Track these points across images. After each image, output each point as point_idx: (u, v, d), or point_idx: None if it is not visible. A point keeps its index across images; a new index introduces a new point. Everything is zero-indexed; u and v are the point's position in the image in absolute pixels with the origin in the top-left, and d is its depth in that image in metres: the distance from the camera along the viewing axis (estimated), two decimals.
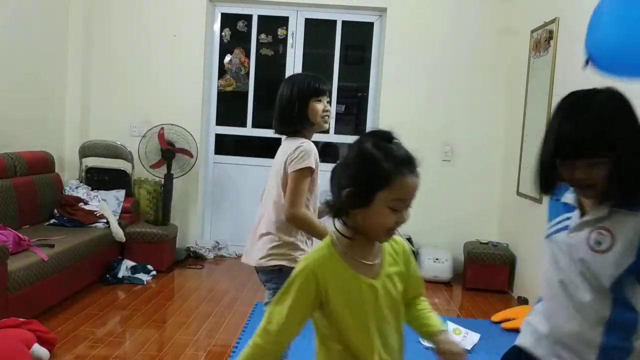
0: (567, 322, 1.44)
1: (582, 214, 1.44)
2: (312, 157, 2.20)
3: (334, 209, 1.30)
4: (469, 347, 3.41)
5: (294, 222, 2.14)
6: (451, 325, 3.58)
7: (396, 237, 1.37)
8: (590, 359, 1.41)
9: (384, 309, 1.32)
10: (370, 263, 1.33)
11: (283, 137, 2.49)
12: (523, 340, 1.57)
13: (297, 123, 2.36)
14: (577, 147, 1.33)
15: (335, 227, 1.34)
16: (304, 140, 2.29)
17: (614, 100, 1.38)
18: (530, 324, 1.57)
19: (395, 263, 1.38)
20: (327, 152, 5.76)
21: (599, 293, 1.39)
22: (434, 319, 1.45)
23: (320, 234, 2.07)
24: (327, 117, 2.36)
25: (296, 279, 1.30)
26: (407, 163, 1.25)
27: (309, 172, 2.18)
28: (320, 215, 2.24)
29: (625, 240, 1.36)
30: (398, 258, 1.39)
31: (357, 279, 1.30)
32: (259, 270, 2.28)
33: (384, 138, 1.28)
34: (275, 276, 2.17)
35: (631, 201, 1.37)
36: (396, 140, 1.28)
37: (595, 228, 1.40)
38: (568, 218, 1.46)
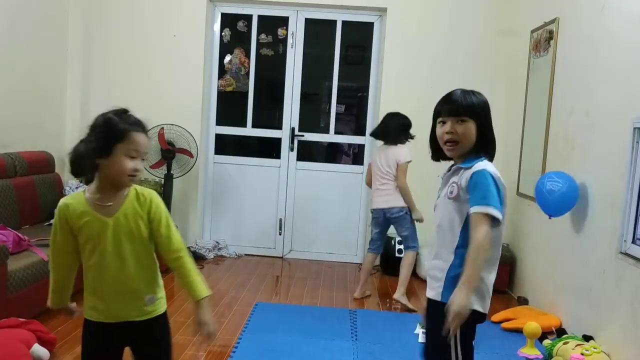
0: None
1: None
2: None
3: (81, 164, 1.72)
4: None
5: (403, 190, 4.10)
6: None
7: (144, 189, 1.80)
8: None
9: (121, 238, 1.74)
10: (108, 204, 1.74)
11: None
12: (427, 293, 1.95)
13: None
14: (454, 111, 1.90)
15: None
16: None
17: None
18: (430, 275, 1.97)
19: (138, 207, 1.76)
20: (327, 152, 5.78)
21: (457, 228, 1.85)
22: (198, 285, 1.81)
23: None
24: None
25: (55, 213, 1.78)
26: (137, 124, 1.76)
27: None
28: None
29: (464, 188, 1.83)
30: (141, 205, 1.77)
31: (92, 215, 1.73)
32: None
33: (121, 111, 1.81)
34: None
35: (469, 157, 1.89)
36: (130, 113, 1.80)
37: (451, 182, 1.90)
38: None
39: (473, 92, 1.95)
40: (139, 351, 1.87)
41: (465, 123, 1.85)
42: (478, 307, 1.84)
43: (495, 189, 1.79)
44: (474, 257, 1.74)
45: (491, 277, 1.91)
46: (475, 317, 1.84)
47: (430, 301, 1.92)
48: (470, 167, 1.84)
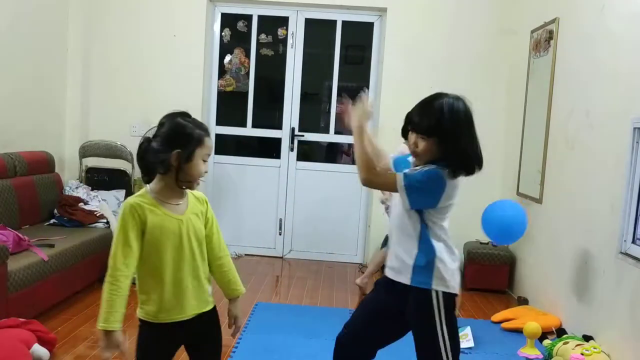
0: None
1: None
2: None
3: (163, 167, 1.78)
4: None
5: None
6: (460, 331, 3.57)
7: (196, 191, 1.95)
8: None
9: (190, 235, 1.84)
10: (178, 204, 1.86)
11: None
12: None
13: None
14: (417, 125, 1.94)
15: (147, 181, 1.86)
16: None
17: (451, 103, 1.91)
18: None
19: (199, 207, 1.93)
20: (327, 152, 5.78)
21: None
22: (239, 282, 2.03)
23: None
24: None
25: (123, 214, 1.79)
26: (207, 130, 1.87)
27: None
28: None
29: None
30: (201, 205, 1.94)
31: (165, 213, 1.81)
32: None
33: (186, 115, 1.89)
34: None
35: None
36: (193, 117, 1.90)
37: None
38: None
39: (443, 106, 1.90)
40: (201, 342, 1.94)
41: (426, 140, 1.91)
42: (441, 288, 1.95)
43: (421, 177, 1.92)
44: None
45: (450, 260, 1.99)
46: (446, 298, 1.95)
47: (399, 285, 2.01)
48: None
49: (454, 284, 1.98)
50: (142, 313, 1.85)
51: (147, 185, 1.85)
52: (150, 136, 1.83)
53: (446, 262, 1.96)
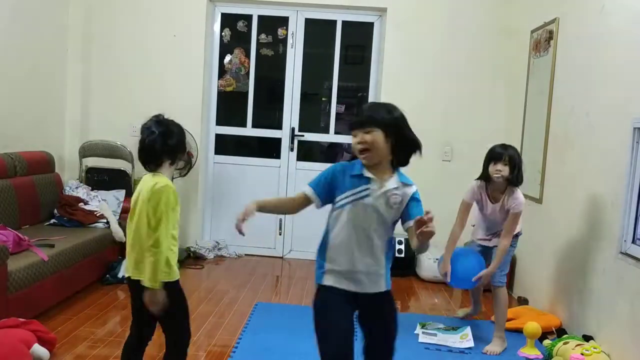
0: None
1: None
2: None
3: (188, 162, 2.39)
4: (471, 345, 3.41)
5: None
6: (460, 332, 3.58)
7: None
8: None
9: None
10: None
11: None
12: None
13: None
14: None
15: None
16: None
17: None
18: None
19: None
20: (327, 152, 5.78)
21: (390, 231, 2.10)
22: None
23: None
24: None
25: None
26: None
27: None
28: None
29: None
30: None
31: None
32: None
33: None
34: None
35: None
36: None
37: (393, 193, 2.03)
38: (367, 188, 2.03)
39: (388, 104, 2.13)
40: None
41: (371, 133, 2.03)
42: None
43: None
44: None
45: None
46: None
47: (369, 294, 2.10)
48: (410, 185, 2.07)
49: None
50: None
51: (162, 172, 2.23)
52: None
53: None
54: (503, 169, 3.29)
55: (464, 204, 3.51)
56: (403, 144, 2.04)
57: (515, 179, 3.32)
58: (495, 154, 3.34)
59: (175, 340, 2.31)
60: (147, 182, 2.22)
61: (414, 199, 2.05)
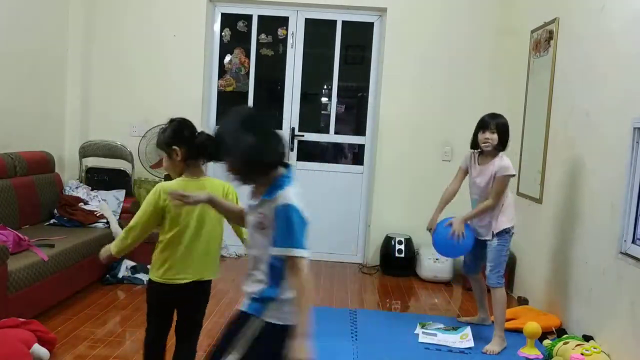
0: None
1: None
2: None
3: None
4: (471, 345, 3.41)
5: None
6: (460, 332, 3.58)
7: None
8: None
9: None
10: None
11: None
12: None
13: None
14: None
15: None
16: None
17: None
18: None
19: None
20: (327, 152, 5.77)
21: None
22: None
23: None
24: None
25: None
26: None
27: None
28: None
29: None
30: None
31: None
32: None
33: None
34: None
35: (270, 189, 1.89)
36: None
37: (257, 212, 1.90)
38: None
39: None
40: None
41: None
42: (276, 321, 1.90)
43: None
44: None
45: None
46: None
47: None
48: (273, 199, 1.85)
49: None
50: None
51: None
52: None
53: None
54: (491, 137, 3.37)
55: (459, 169, 3.70)
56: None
57: (500, 144, 3.39)
58: (483, 123, 3.43)
59: (196, 341, 2.67)
60: (216, 184, 2.65)
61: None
